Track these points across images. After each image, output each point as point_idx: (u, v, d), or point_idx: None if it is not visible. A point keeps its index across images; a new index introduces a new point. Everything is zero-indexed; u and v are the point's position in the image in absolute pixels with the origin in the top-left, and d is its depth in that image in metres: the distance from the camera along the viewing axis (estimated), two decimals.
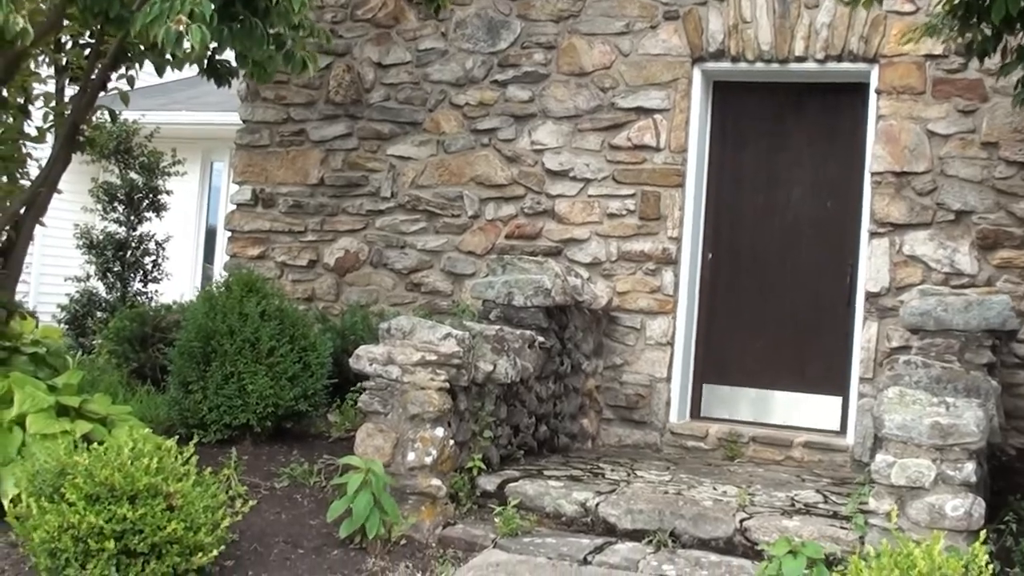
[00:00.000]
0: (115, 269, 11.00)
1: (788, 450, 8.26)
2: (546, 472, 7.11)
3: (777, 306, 8.72)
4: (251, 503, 5.54)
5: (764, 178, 8.80)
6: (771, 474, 7.69)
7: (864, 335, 8.16)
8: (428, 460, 6.27)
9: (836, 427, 8.49)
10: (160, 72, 7.64)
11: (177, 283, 12.43)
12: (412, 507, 6.18)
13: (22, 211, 7.18)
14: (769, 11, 8.40)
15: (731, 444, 8.36)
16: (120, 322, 8.70)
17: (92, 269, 11.29)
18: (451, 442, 6.39)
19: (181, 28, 5.13)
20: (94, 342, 9.88)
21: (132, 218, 11.22)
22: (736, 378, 8.82)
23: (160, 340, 8.41)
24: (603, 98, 8.79)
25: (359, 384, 7.46)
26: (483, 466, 6.74)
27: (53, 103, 7.37)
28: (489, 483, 6.72)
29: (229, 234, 9.93)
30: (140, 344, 8.49)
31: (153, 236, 11.47)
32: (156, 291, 11.22)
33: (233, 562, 5.45)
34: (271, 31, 6.30)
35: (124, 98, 7.49)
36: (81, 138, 7.31)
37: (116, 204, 11.20)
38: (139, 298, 10.79)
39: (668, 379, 8.59)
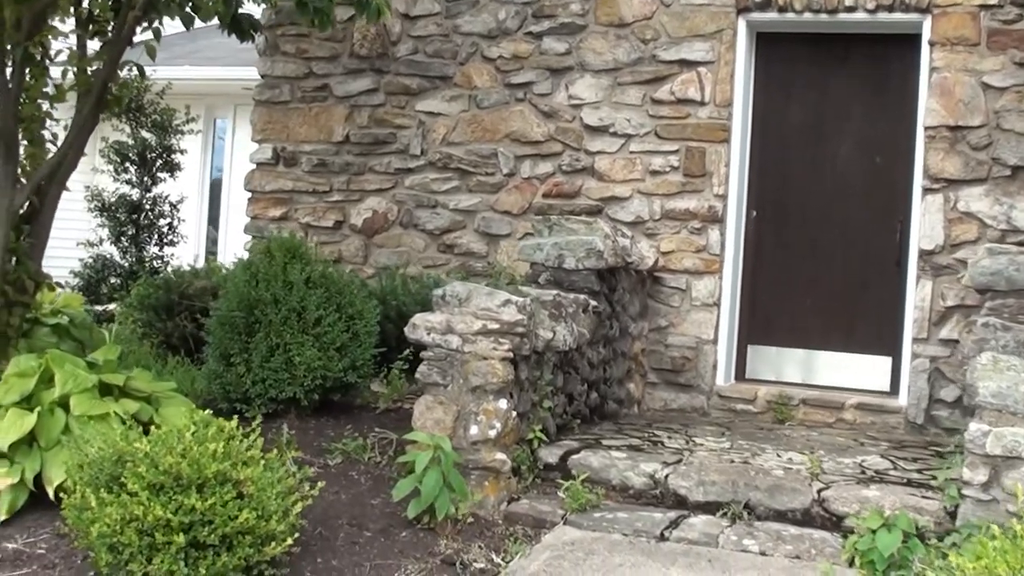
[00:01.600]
0: (129, 233, 10.57)
1: (839, 412, 8.02)
2: (604, 441, 6.84)
3: (824, 264, 8.44)
4: (320, 485, 5.21)
5: (810, 133, 8.48)
6: (827, 438, 7.45)
7: (918, 294, 7.89)
8: (492, 433, 5.98)
9: (886, 388, 8.25)
10: (188, 24, 7.23)
11: (183, 246, 12.01)
12: (476, 483, 5.90)
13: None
14: None
15: (780, 407, 8.10)
16: (144, 289, 8.31)
17: (105, 233, 10.85)
18: (514, 414, 6.10)
19: None
20: (110, 309, 9.48)
21: (146, 179, 10.77)
22: (782, 339, 8.55)
23: (187, 308, 8.04)
24: (644, 50, 8.43)
25: (405, 352, 7.21)
26: (543, 437, 6.46)
27: (76, 59, 6.92)
28: (551, 455, 6.44)
29: (249, 195, 9.54)
30: (166, 312, 8.10)
31: (167, 198, 11.04)
32: (171, 255, 10.80)
33: (300, 548, 5.13)
34: None
35: (151, 52, 7.05)
36: (109, 96, 6.90)
37: (128, 164, 10.74)
38: (155, 262, 10.36)
39: (715, 341, 8.31)
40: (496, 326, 6.08)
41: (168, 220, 11.00)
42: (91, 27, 7.01)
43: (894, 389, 8.16)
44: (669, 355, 8.34)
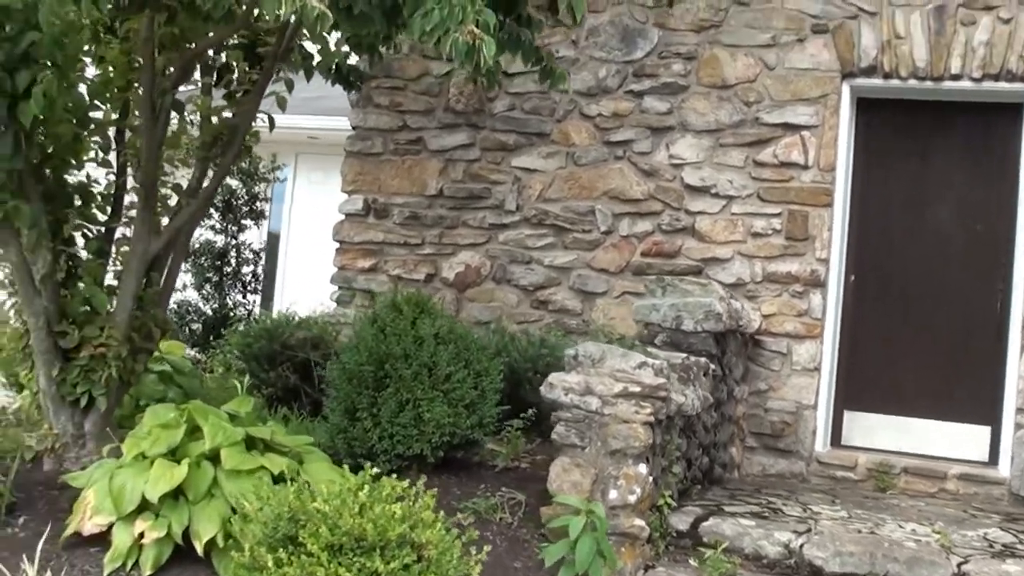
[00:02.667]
0: (213, 279, 10.46)
1: (942, 482, 7.92)
2: (724, 508, 6.75)
3: (922, 331, 8.38)
4: (486, 549, 5.10)
5: (909, 198, 8.45)
6: (936, 509, 7.36)
7: (1022, 363, 7.83)
8: (632, 499, 5.89)
9: (985, 458, 8.16)
10: (309, 77, 7.22)
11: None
12: (614, 549, 5.78)
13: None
14: (924, 27, 8.06)
15: (882, 475, 8.01)
16: (245, 338, 8.20)
17: (188, 279, 10.73)
18: (650, 479, 6.01)
19: (470, 39, 4.72)
20: (193, 355, 9.34)
21: (231, 226, 10.66)
22: (878, 405, 8.47)
23: (289, 359, 7.93)
24: (747, 112, 8.41)
25: (528, 410, 7.12)
26: (672, 503, 6.36)
27: (205, 108, 6.88)
28: (680, 522, 6.34)
29: (337, 245, 9.45)
30: (268, 363, 7.99)
31: (250, 245, 10.94)
32: (255, 302, 10.68)
33: None
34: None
35: (281, 103, 7.03)
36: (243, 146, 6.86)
37: (213, 211, 10.64)
38: (239, 310, 10.22)
39: (815, 406, 8.22)
40: (637, 389, 6.00)
41: (252, 268, 10.88)
42: (226, 75, 6.98)
43: (993, 459, 8.08)
44: (769, 419, 8.25)
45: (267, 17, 4.57)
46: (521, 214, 8.91)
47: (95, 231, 6.76)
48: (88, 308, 6.50)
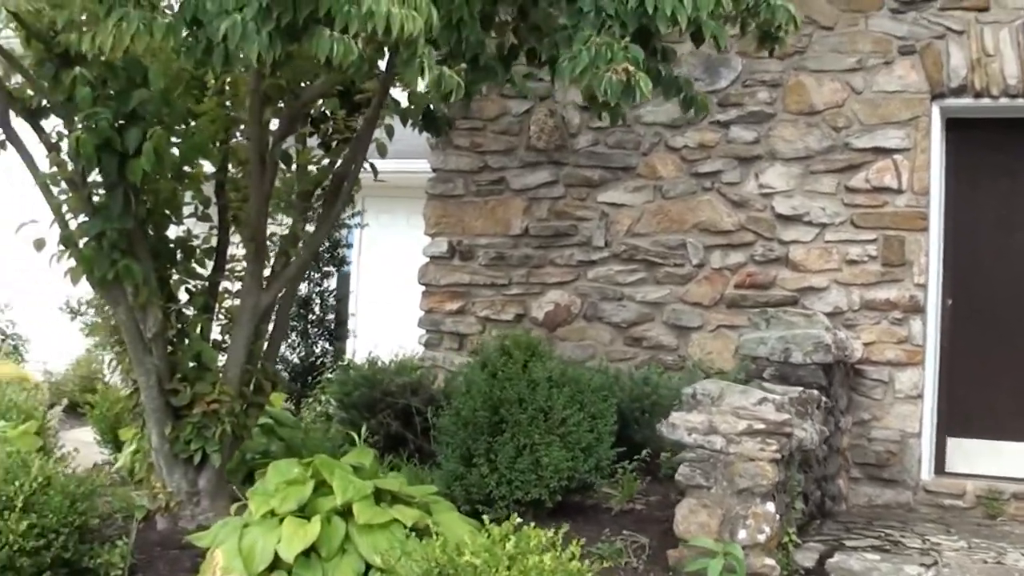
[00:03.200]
0: (299, 328, 10.41)
1: None
2: (845, 543, 6.60)
3: (1020, 354, 8.21)
4: None
5: (1001, 218, 8.30)
6: None
7: None
8: (761, 538, 5.78)
9: None
10: (405, 123, 7.19)
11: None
12: None
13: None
14: (1014, 44, 7.93)
15: (991, 502, 7.83)
16: (343, 386, 8.13)
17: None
18: (778, 517, 5.89)
19: (624, 77, 4.67)
20: (289, 406, 9.28)
21: (314, 273, 10.63)
22: (980, 430, 8.27)
23: (389, 406, 7.86)
24: (836, 138, 8.30)
25: (644, 452, 7.02)
26: (797, 540, 6.24)
27: (305, 157, 6.86)
28: (806, 559, 6.20)
29: (423, 288, 9.39)
30: (368, 410, 7.92)
31: (333, 292, 10.91)
32: (340, 350, 10.60)
33: None
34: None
35: (382, 149, 7.00)
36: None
37: None
38: (325, 358, 10.14)
39: (919, 434, 8.07)
40: (761, 426, 5.90)
41: (334, 315, 10.84)
42: (320, 127, 6.96)
43: None
44: (873, 449, 8.10)
45: (407, 84, 4.55)
46: (610, 250, 8.82)
47: (197, 286, 6.73)
48: (197, 364, 6.46)
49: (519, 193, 9.13)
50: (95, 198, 6.16)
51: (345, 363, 8.93)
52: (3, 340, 12.96)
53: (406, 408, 7.86)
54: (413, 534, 5.44)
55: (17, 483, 5.46)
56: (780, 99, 8.47)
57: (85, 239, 6.12)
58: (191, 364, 6.43)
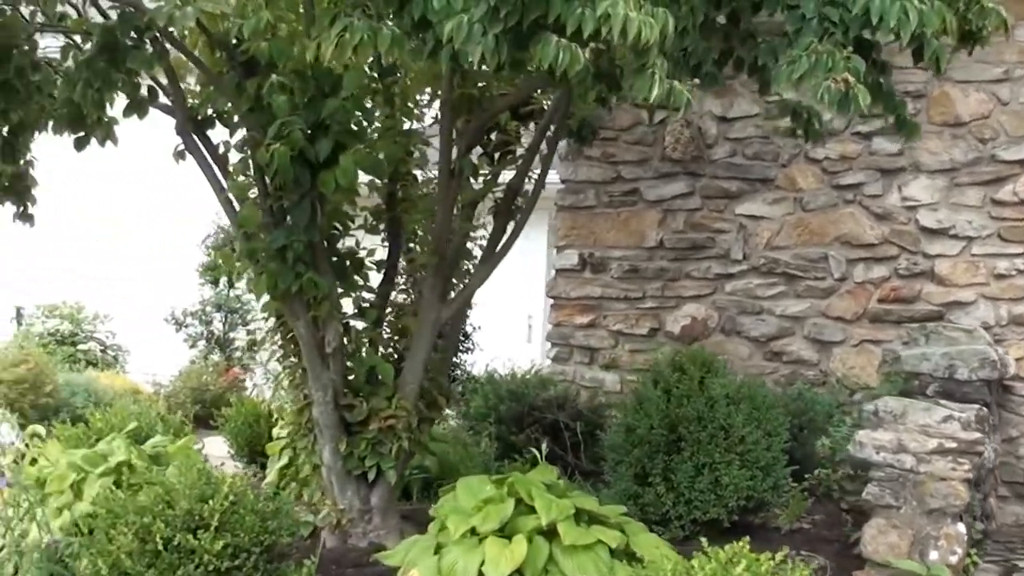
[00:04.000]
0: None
1: None
2: (1017, 563, 6.49)
3: None
4: None
5: None
6: None
7: None
8: (953, 560, 5.64)
9: None
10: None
11: None
12: None
13: None
14: None
15: None
16: (488, 400, 8.06)
17: None
18: (966, 537, 5.76)
19: (843, 87, 4.57)
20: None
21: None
22: None
23: (536, 420, 7.78)
24: (982, 150, 8.16)
25: (817, 471, 6.90)
26: (978, 560, 6.11)
27: (469, 168, 6.78)
28: None
29: (551, 301, 9.31)
30: (515, 425, 7.85)
31: None
32: (468, 362, 10.48)
33: None
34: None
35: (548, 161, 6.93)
36: (513, 207, 6.76)
37: None
38: (456, 371, 10.02)
39: None
40: (953, 445, 5.80)
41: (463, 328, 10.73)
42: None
43: None
44: (1021, 467, 7.96)
45: (636, 95, 4.45)
46: (748, 263, 8.70)
47: (369, 299, 6.67)
48: (369, 379, 6.40)
49: (653, 204, 9.03)
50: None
51: (485, 376, 8.85)
52: (103, 351, 12.95)
53: (554, 423, 7.77)
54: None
55: (211, 502, 5.41)
56: (924, 110, 8.33)
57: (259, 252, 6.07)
58: (364, 379, 6.36)
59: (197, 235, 12.62)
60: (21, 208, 7.42)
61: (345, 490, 6.36)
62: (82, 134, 6.79)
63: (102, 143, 6.84)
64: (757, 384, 6.85)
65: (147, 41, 5.73)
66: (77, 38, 6.33)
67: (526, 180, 6.88)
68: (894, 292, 8.31)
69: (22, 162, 7.26)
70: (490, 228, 6.94)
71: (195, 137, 6.47)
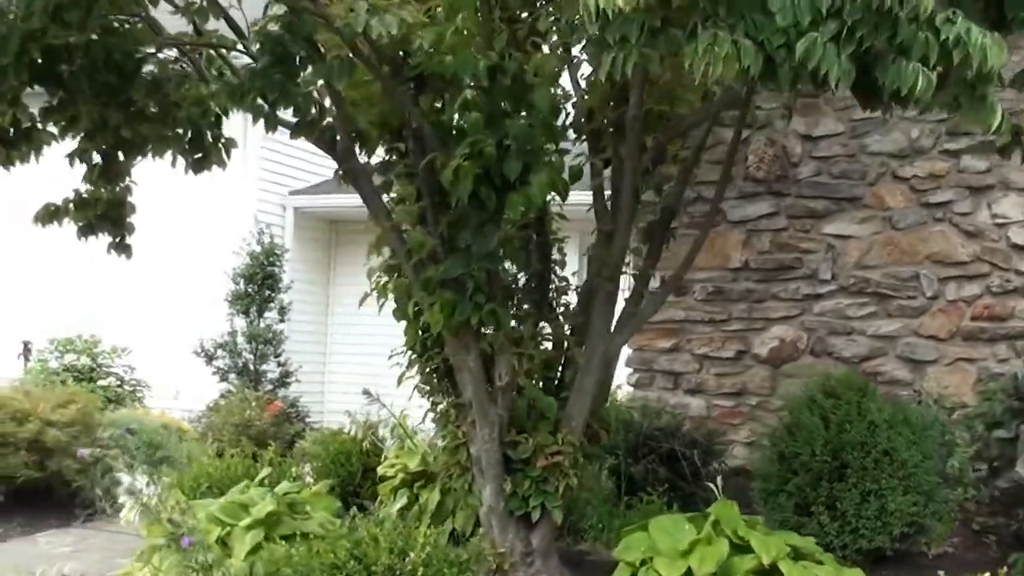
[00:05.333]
0: None
1: None
2: None
3: None
4: None
5: None
6: None
7: None
8: None
9: None
10: None
11: None
12: None
13: None
14: None
15: None
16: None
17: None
18: None
19: None
20: None
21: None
22: None
23: (652, 450, 7.59)
24: None
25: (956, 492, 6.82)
26: None
27: None
28: None
29: None
30: (631, 455, 7.64)
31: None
32: None
33: None
34: None
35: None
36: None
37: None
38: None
39: None
40: None
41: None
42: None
43: None
44: None
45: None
46: (837, 283, 8.61)
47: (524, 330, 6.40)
48: (530, 414, 6.14)
49: (737, 225, 8.91)
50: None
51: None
52: (119, 385, 12.37)
53: (670, 452, 7.60)
54: None
55: (412, 554, 5.13)
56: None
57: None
58: (526, 414, 6.10)
59: (218, 264, 12.16)
60: (118, 238, 7.05)
61: (506, 532, 6.10)
62: (200, 155, 6.51)
63: (223, 166, 6.56)
64: (911, 407, 6.75)
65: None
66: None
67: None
68: (987, 310, 8.29)
69: (119, 187, 6.92)
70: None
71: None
